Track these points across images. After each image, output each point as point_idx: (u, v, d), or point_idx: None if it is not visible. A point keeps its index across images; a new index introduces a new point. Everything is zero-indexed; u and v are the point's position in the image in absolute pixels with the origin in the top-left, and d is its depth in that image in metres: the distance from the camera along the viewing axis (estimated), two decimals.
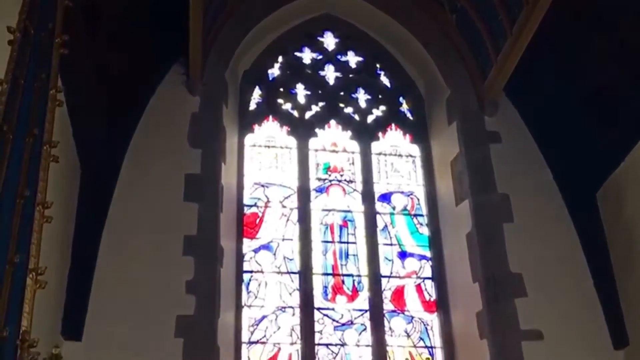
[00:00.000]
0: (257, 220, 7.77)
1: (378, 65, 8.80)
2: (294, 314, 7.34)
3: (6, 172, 3.30)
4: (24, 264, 3.15)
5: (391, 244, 7.88)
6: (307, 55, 8.72)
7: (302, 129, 8.26)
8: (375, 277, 7.62)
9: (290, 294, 7.44)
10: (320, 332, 7.30)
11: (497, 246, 7.30)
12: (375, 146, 8.36)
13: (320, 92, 8.53)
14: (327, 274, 7.62)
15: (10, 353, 2.94)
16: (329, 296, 7.51)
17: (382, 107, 8.58)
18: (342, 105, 8.51)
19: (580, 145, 7.44)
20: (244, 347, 7.09)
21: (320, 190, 8.06)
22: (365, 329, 7.39)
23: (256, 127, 8.22)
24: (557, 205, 7.55)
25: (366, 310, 7.47)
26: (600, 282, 7.19)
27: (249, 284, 7.42)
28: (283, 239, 7.70)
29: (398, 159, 8.39)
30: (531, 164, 7.77)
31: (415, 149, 8.43)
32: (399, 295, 7.63)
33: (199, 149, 7.37)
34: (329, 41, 8.85)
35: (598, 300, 7.13)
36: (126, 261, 6.69)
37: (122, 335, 6.37)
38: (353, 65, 8.77)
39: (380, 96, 8.64)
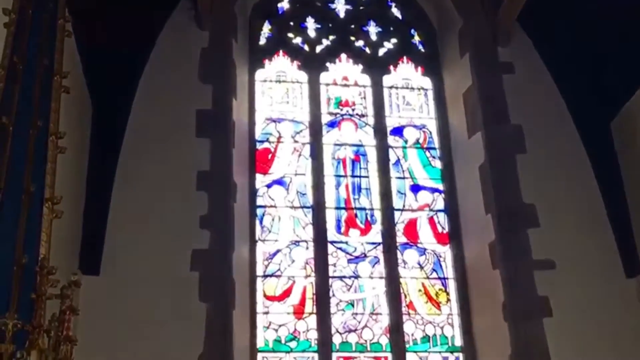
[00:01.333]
0: (270, 156, 7.77)
1: None
2: (307, 248, 7.41)
3: (18, 104, 3.31)
4: (39, 193, 3.18)
5: (404, 178, 7.89)
6: None
7: (312, 63, 8.19)
8: (388, 211, 7.65)
9: (303, 228, 7.50)
10: (334, 265, 7.38)
11: (510, 177, 7.30)
12: (386, 79, 8.29)
13: (330, 25, 8.42)
14: (340, 208, 7.66)
15: (30, 280, 2.99)
16: (342, 230, 7.56)
17: (393, 40, 8.47)
18: (352, 38, 8.41)
19: (594, 75, 7.34)
20: (258, 280, 7.18)
21: (332, 124, 8.03)
22: (378, 262, 7.46)
23: (266, 62, 8.15)
24: (571, 135, 7.51)
25: (379, 243, 7.53)
26: (613, 211, 7.20)
27: (262, 218, 7.47)
28: (296, 174, 7.72)
29: (410, 92, 8.33)
30: (545, 95, 7.70)
31: (427, 82, 8.35)
32: (411, 228, 7.68)
33: (210, 84, 7.34)
34: None
35: (611, 229, 7.15)
36: (140, 197, 6.75)
37: (139, 270, 6.48)
38: None
39: (391, 28, 8.52)
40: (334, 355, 6.99)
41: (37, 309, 2.91)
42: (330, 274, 7.31)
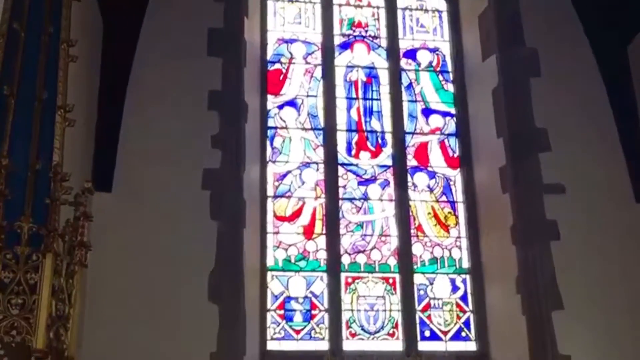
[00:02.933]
0: (281, 77, 7.71)
1: None
2: (318, 170, 7.44)
3: (29, 12, 3.28)
4: (52, 101, 3.18)
5: (415, 101, 7.84)
6: None
7: None
8: (399, 134, 7.63)
9: (314, 149, 7.50)
10: (344, 187, 7.42)
11: (523, 101, 7.25)
12: (400, 0, 8.13)
13: None
14: (351, 131, 7.65)
15: (44, 185, 3.03)
16: (353, 152, 7.57)
17: None
18: None
19: None
20: (269, 200, 7.24)
21: (344, 46, 7.94)
22: (388, 184, 7.49)
23: None
24: (587, 59, 7.40)
25: (389, 166, 7.55)
26: (625, 136, 7.16)
27: (273, 139, 7.48)
28: (307, 96, 7.68)
29: (424, 14, 8.18)
30: (562, 18, 7.54)
31: (442, 4, 8.20)
32: (422, 151, 7.67)
33: (222, 1, 7.22)
34: None
35: (622, 154, 7.13)
36: (151, 116, 6.74)
37: (150, 188, 6.53)
38: None
39: None
40: (343, 275, 7.10)
41: (51, 214, 2.95)
42: (340, 195, 7.36)
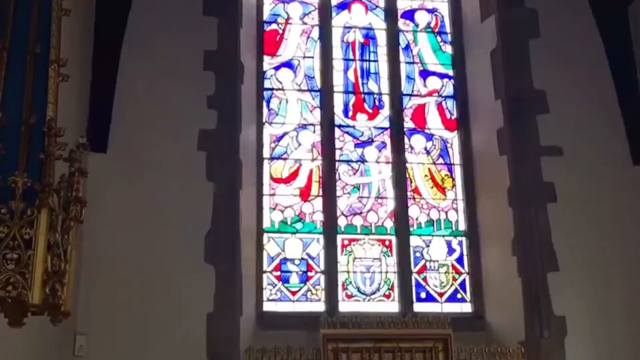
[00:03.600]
0: (278, 37, 7.63)
1: None
2: (314, 131, 7.40)
3: None
4: (45, 55, 3.11)
5: (413, 63, 7.77)
6: None
7: None
8: (396, 96, 7.58)
9: (311, 111, 7.45)
10: (341, 149, 7.38)
11: (522, 63, 7.19)
12: None
13: None
14: (348, 92, 7.59)
15: (38, 140, 2.97)
16: (350, 114, 7.52)
17: None
18: None
19: None
20: (265, 162, 7.21)
21: (341, 6, 7.84)
22: (385, 146, 7.46)
23: None
24: (586, 20, 7.31)
25: (386, 128, 7.51)
26: (624, 99, 7.11)
27: (269, 101, 7.42)
28: (304, 57, 7.60)
29: None
30: None
31: None
32: (419, 113, 7.63)
33: None
34: None
35: (621, 116, 7.10)
36: (147, 76, 6.66)
37: (146, 148, 6.49)
38: None
39: None
40: (339, 237, 7.11)
41: (46, 169, 2.90)
42: (337, 157, 7.33)
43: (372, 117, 7.54)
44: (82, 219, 3.06)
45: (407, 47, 7.80)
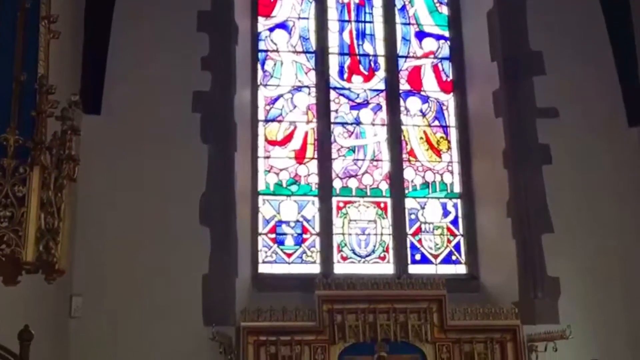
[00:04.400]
0: None
1: None
2: (309, 93, 7.35)
3: None
4: (35, 11, 3.07)
5: (409, 24, 7.71)
6: None
7: None
8: (391, 57, 7.53)
9: (306, 73, 7.40)
10: (336, 111, 7.35)
11: (519, 24, 7.15)
12: None
13: None
14: (344, 54, 7.53)
15: (30, 97, 2.94)
16: (345, 76, 7.47)
17: None
18: None
19: None
20: (260, 124, 7.17)
21: None
22: (380, 109, 7.43)
23: None
24: None
25: (382, 90, 7.47)
26: (620, 60, 7.08)
27: (264, 63, 7.36)
28: (299, 18, 7.53)
29: None
30: None
31: None
32: (415, 75, 7.58)
33: None
34: None
35: (617, 78, 7.07)
36: (140, 37, 6.60)
37: (140, 110, 6.46)
38: None
39: None
40: (334, 199, 7.11)
41: (38, 127, 2.87)
42: (332, 120, 7.30)
43: (367, 79, 7.49)
44: (75, 177, 3.05)
45: (403, 8, 7.73)
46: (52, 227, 2.89)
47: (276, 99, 7.28)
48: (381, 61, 7.54)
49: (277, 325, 6.01)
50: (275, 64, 7.38)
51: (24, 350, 3.26)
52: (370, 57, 7.55)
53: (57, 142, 2.96)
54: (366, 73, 7.51)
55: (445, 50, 7.65)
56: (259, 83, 7.26)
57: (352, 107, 7.39)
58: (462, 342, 6.21)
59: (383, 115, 7.39)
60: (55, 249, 2.89)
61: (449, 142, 7.42)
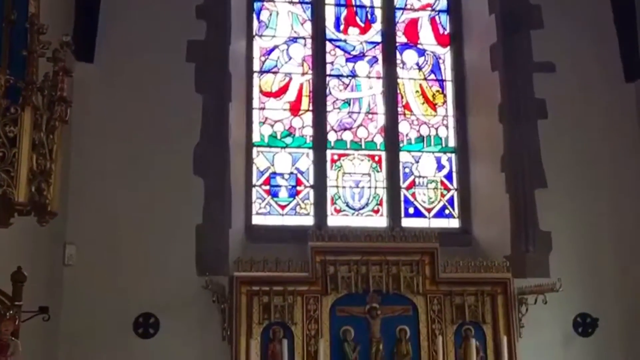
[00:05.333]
0: None
1: None
2: (305, 45, 7.29)
3: None
4: None
5: None
6: None
7: None
8: (388, 9, 7.44)
9: (301, 24, 7.32)
10: (332, 63, 7.30)
11: None
12: None
13: None
14: (340, 5, 7.45)
15: (21, 37, 2.91)
16: (342, 27, 7.40)
17: None
18: None
19: None
20: (255, 76, 7.12)
21: None
22: (376, 61, 7.37)
23: None
24: None
25: (378, 43, 7.40)
26: (619, 15, 7.01)
27: (259, 13, 7.28)
28: None
29: None
30: None
31: None
32: (412, 28, 7.51)
33: None
34: None
35: (615, 33, 7.01)
36: None
37: (134, 59, 6.39)
38: None
39: None
40: (329, 152, 7.10)
41: (29, 67, 2.85)
42: (328, 72, 7.25)
43: (363, 31, 7.42)
44: (68, 119, 3.03)
45: None
46: (44, 169, 2.89)
47: (271, 50, 7.22)
48: (378, 13, 7.46)
49: (270, 275, 6.05)
50: (270, 14, 7.29)
51: (16, 291, 3.28)
52: (367, 9, 7.47)
53: (48, 84, 2.94)
54: (362, 25, 7.43)
55: (443, 3, 7.57)
56: (254, 34, 7.19)
57: (347, 60, 7.33)
58: (453, 294, 6.28)
59: (379, 68, 7.34)
60: (48, 190, 2.89)
61: (444, 96, 7.39)
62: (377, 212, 7.06)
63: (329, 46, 7.30)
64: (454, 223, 7.13)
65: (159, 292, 6.01)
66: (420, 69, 7.42)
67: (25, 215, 2.99)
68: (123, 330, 5.93)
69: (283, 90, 7.15)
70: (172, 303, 6.00)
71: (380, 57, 7.36)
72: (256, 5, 7.26)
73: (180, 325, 5.99)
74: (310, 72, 7.21)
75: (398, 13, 7.48)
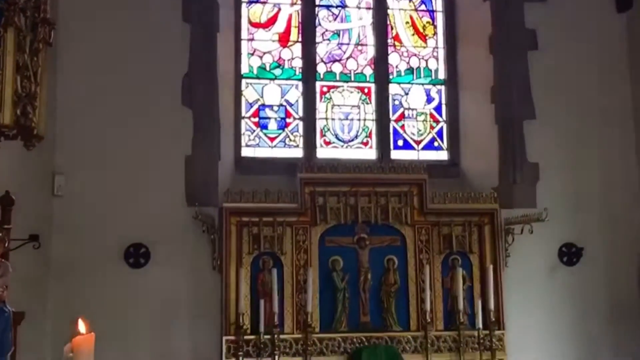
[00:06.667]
0: None
1: None
2: None
3: None
4: None
5: None
6: None
7: None
8: None
9: None
10: None
11: None
12: None
13: None
14: None
15: None
16: None
17: None
18: None
19: None
20: (243, 6, 7.02)
21: None
22: None
23: None
24: None
25: None
26: None
27: None
28: None
29: None
30: None
31: None
32: None
33: None
34: None
35: None
36: None
37: None
38: None
39: None
40: (318, 84, 7.06)
41: None
42: (317, 2, 7.16)
43: None
44: (52, 42, 2.99)
45: None
46: (29, 92, 2.87)
47: None
48: None
49: (259, 206, 6.08)
50: None
51: (5, 215, 3.30)
52: None
53: (31, 4, 2.89)
54: None
55: None
56: None
57: None
58: (440, 224, 6.34)
59: None
60: (34, 114, 2.88)
61: (435, 27, 7.32)
62: (366, 144, 7.07)
63: None
64: (443, 155, 7.15)
65: (149, 222, 6.04)
66: None
67: (12, 140, 2.98)
68: (114, 260, 5.97)
69: (272, 21, 7.06)
70: (163, 233, 6.04)
71: None
72: None
73: (170, 255, 6.04)
74: (299, 2, 7.10)
75: None
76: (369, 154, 7.03)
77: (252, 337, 5.85)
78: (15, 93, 2.78)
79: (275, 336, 5.83)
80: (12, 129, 2.79)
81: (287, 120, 6.95)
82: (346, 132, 7.05)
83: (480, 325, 6.09)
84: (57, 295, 5.76)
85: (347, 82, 7.11)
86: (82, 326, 2.75)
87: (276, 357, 5.82)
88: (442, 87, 7.23)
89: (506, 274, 6.34)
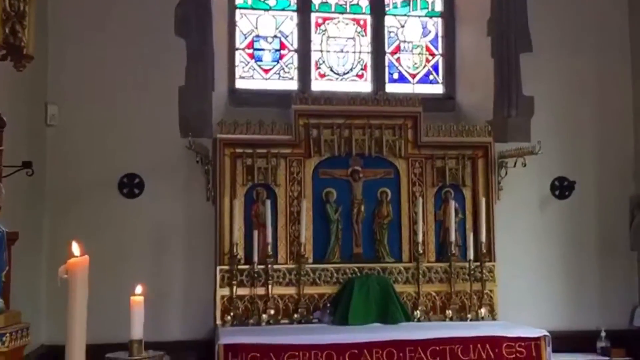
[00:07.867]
0: None
1: None
2: None
3: None
4: None
5: None
6: None
7: None
8: None
9: None
10: None
11: None
12: None
13: None
14: None
15: None
16: None
17: None
18: None
19: None
20: None
21: None
22: None
23: None
24: None
25: None
26: None
27: None
28: None
29: None
30: None
31: None
32: None
33: None
34: None
35: None
36: None
37: None
38: None
39: None
40: (313, 15, 6.97)
41: None
42: None
43: None
44: None
45: None
46: (18, 10, 2.82)
47: None
48: None
49: (253, 138, 6.08)
50: None
51: None
52: None
53: None
54: None
55: None
56: None
57: None
58: (434, 157, 6.35)
59: None
60: (23, 33, 2.84)
61: None
62: (361, 77, 7.02)
63: None
64: (438, 89, 7.11)
65: (143, 153, 6.05)
66: None
67: (2, 60, 2.96)
68: (108, 190, 6.00)
69: None
70: (157, 164, 6.05)
71: None
72: None
73: (164, 185, 6.07)
74: None
75: None
76: (364, 86, 7.00)
77: (245, 267, 5.93)
78: (4, 11, 2.73)
79: (269, 266, 5.91)
80: (2, 48, 2.75)
81: (282, 52, 6.88)
82: (341, 65, 7.00)
83: (472, 257, 6.16)
84: (51, 220, 5.81)
85: (342, 13, 7.02)
86: (76, 249, 2.77)
87: (269, 286, 5.91)
88: (439, 20, 7.15)
89: (498, 207, 6.39)
